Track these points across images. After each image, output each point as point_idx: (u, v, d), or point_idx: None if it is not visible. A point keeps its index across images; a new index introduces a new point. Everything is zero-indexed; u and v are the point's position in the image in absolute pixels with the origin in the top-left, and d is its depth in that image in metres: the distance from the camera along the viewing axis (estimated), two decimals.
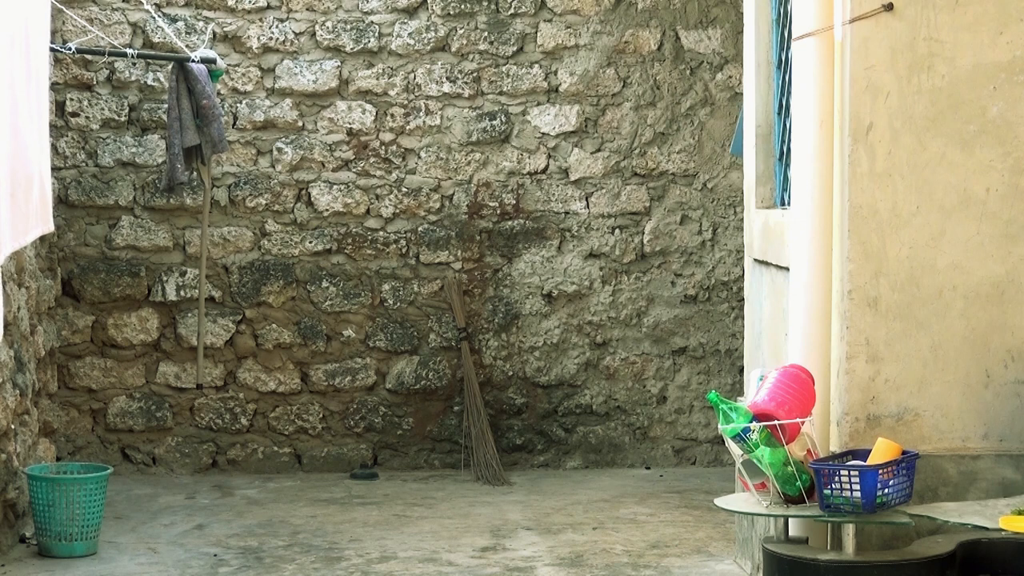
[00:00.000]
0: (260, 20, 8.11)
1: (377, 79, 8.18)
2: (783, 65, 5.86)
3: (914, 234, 4.78)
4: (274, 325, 8.17)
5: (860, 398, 4.78)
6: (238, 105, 8.12)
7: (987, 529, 4.41)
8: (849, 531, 4.69)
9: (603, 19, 8.23)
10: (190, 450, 8.15)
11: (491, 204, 8.26)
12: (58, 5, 7.52)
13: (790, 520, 4.81)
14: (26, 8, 5.51)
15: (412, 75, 8.20)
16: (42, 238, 7.29)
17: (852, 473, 4.43)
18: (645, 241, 8.31)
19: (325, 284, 8.18)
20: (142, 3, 7.88)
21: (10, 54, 5.26)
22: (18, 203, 5.37)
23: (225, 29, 8.09)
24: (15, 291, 6.62)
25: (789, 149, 5.36)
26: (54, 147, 7.91)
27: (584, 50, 8.24)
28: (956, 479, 4.76)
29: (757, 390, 4.72)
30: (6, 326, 6.45)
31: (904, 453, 4.58)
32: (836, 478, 4.46)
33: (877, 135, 4.75)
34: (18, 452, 6.58)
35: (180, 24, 8.00)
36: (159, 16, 7.92)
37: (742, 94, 6.71)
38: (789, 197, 5.25)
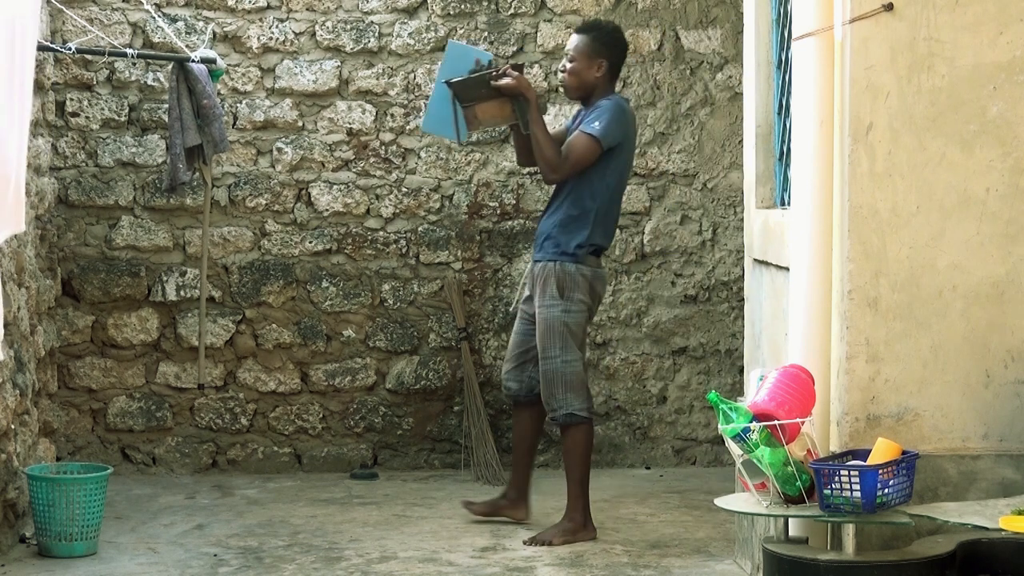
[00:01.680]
0: (260, 20, 8.11)
1: (377, 79, 8.18)
2: (783, 65, 5.86)
3: (914, 234, 4.78)
4: (274, 325, 8.16)
5: (860, 398, 4.78)
6: (238, 105, 8.12)
7: (987, 529, 4.42)
8: (849, 531, 4.69)
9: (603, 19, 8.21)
10: (190, 450, 8.15)
11: (491, 204, 8.25)
12: (58, 5, 7.52)
13: (790, 520, 4.81)
14: (13, 7, 5.45)
15: (412, 75, 8.20)
16: (42, 238, 7.30)
17: (852, 473, 4.44)
18: (645, 241, 8.31)
19: (325, 284, 8.18)
20: (142, 3, 7.88)
21: None
22: None
23: (225, 29, 8.09)
24: (15, 291, 6.62)
25: (789, 149, 5.36)
26: (54, 147, 7.91)
27: None
28: (956, 479, 4.76)
29: (757, 390, 4.73)
30: (6, 326, 6.45)
31: (904, 453, 4.58)
32: (836, 478, 4.46)
33: (877, 135, 4.75)
34: (18, 452, 6.58)
35: (180, 24, 8.00)
36: (159, 16, 7.92)
37: (742, 94, 6.71)
38: (789, 197, 5.25)
